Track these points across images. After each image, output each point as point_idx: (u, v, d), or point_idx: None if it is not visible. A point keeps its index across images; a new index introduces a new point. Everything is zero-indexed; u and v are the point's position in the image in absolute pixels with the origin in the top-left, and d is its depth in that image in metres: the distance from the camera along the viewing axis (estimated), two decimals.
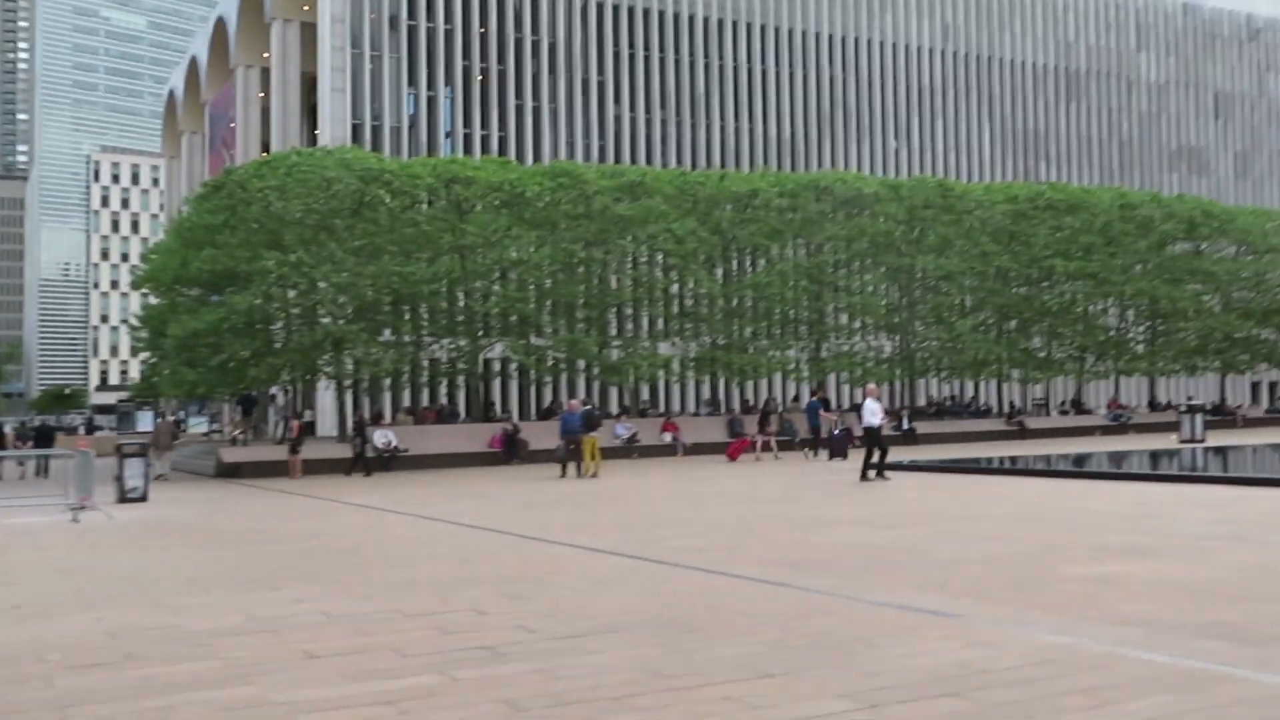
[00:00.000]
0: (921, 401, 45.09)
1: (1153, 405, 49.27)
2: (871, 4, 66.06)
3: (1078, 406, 46.43)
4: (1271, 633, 6.76)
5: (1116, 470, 21.02)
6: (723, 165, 56.44)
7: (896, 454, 29.98)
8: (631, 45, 58.61)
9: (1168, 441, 31.65)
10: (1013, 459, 25.10)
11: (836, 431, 29.75)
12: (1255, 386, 65.33)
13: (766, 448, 30.58)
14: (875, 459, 20.45)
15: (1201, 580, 8.80)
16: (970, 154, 69.12)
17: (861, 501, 17.00)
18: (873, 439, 20.60)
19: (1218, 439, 32.37)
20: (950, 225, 39.49)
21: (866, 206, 38.67)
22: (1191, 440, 30.23)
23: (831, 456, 28.69)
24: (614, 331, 37.45)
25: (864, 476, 20.44)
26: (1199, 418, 31.09)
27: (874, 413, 20.75)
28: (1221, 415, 44.65)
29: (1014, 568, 9.74)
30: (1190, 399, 35.58)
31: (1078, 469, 21.55)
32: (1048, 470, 21.26)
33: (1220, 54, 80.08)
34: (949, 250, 39.16)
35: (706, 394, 50.67)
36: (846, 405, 43.38)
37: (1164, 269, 44.15)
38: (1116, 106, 75.19)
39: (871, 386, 22.45)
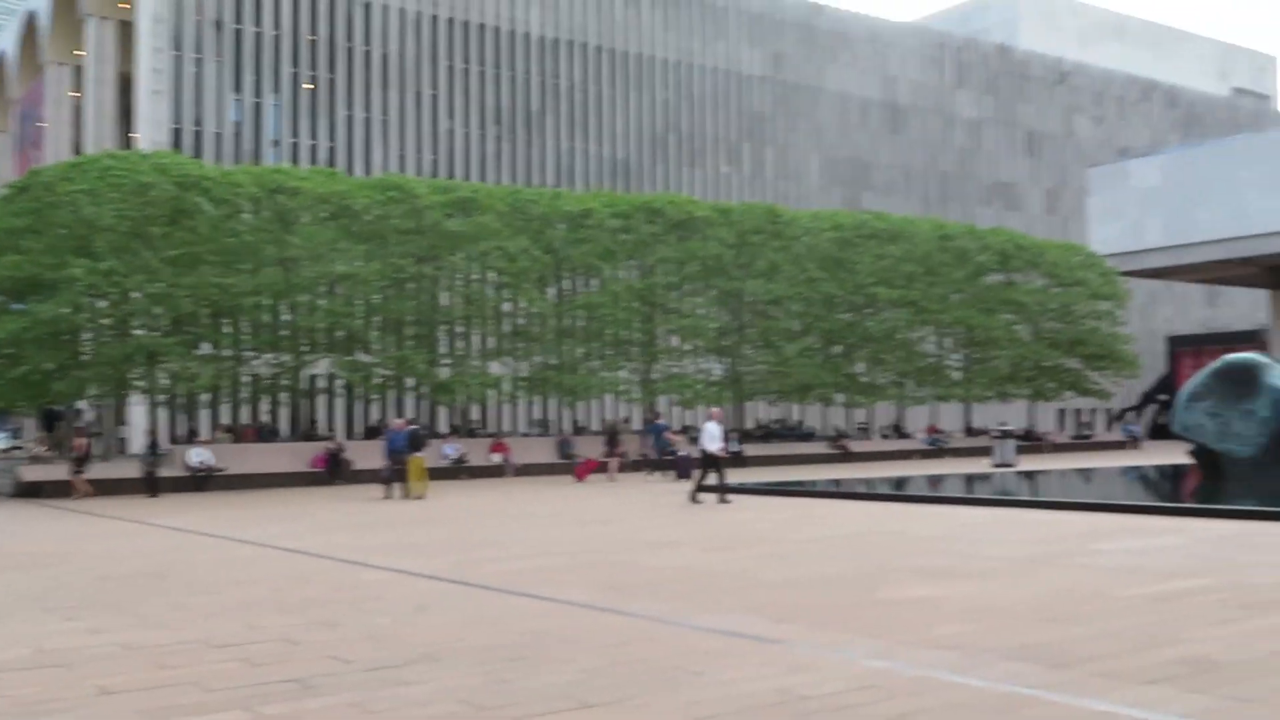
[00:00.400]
0: (750, 424, 45.76)
1: (968, 430, 51.19)
2: (705, 30, 67.15)
3: (898, 431, 47.90)
4: (1078, 654, 6.94)
5: (934, 494, 21.64)
6: (556, 184, 56.39)
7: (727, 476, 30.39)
8: (466, 60, 58.12)
9: (981, 466, 32.86)
10: (837, 482, 25.62)
11: (683, 452, 29.95)
12: (1061, 413, 68.64)
13: (612, 468, 30.91)
14: (710, 480, 20.59)
15: (1014, 602, 9.02)
16: (798, 181, 70.80)
17: (692, 523, 17.03)
18: (708, 462, 20.73)
19: (1028, 463, 33.78)
20: (779, 251, 40.29)
21: (698, 230, 39.14)
22: (1004, 465, 31.45)
23: (679, 477, 28.80)
24: (444, 349, 36.88)
25: (694, 498, 20.53)
26: (1011, 443, 32.39)
27: (713, 436, 20.80)
28: (1031, 440, 46.71)
29: (837, 591, 9.83)
30: (1002, 424, 37.08)
31: (898, 492, 22.13)
32: (870, 494, 21.75)
33: (1032, 95, 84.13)
34: (777, 275, 39.94)
35: (537, 414, 50.39)
36: (677, 427, 43.71)
37: (979, 298, 45.98)
38: (936, 141, 78.17)
39: (715, 410, 22.34)
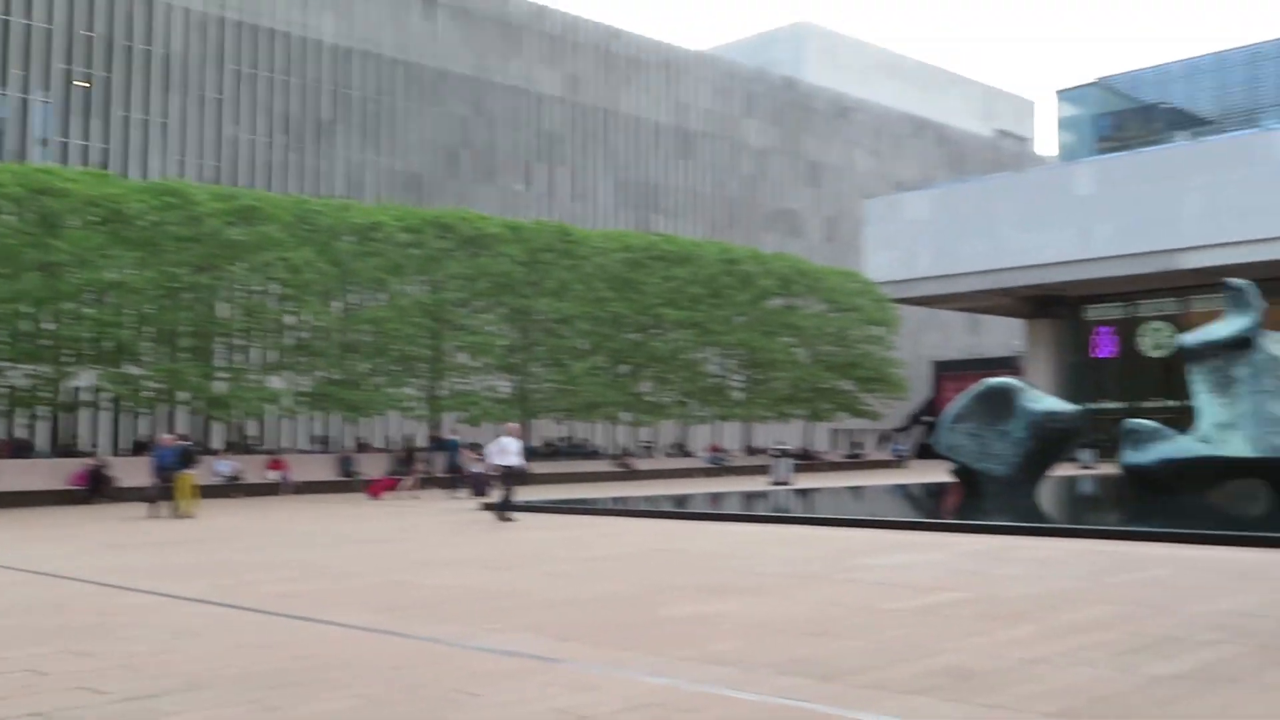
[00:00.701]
0: (536, 442, 45.74)
1: (748, 449, 52.60)
2: (502, 47, 67.07)
3: (681, 449, 48.79)
4: (847, 666, 7.19)
5: (714, 511, 22.11)
6: (345, 195, 55.13)
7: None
8: (254, 64, 56.27)
9: (760, 483, 33.79)
10: (620, 499, 25.84)
11: (479, 469, 29.62)
12: (835, 433, 71.37)
13: (406, 486, 30.59)
14: (509, 498, 20.43)
15: (787, 617, 9.28)
16: (590, 202, 71.47)
17: (474, 542, 16.86)
18: (510, 477, 20.58)
19: (804, 481, 34.90)
20: (569, 270, 40.50)
21: (489, 247, 38.94)
22: (781, 483, 32.41)
23: (474, 495, 28.49)
24: (221, 362, 35.43)
25: (504, 516, 20.39)
26: (788, 461, 33.43)
27: (512, 452, 20.67)
28: (807, 459, 48.35)
29: (618, 609, 9.90)
30: (780, 444, 38.26)
31: (680, 510, 22.49)
32: (653, 511, 22.03)
33: (815, 127, 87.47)
34: (567, 294, 40.13)
35: (319, 431, 49.02)
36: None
37: (761, 321, 47.37)
38: (724, 167, 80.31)
39: (513, 425, 22.16)
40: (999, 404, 24.31)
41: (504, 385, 40.98)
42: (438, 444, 38.52)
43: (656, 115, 76.16)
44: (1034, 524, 17.23)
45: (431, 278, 38.44)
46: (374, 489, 30.20)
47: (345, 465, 34.79)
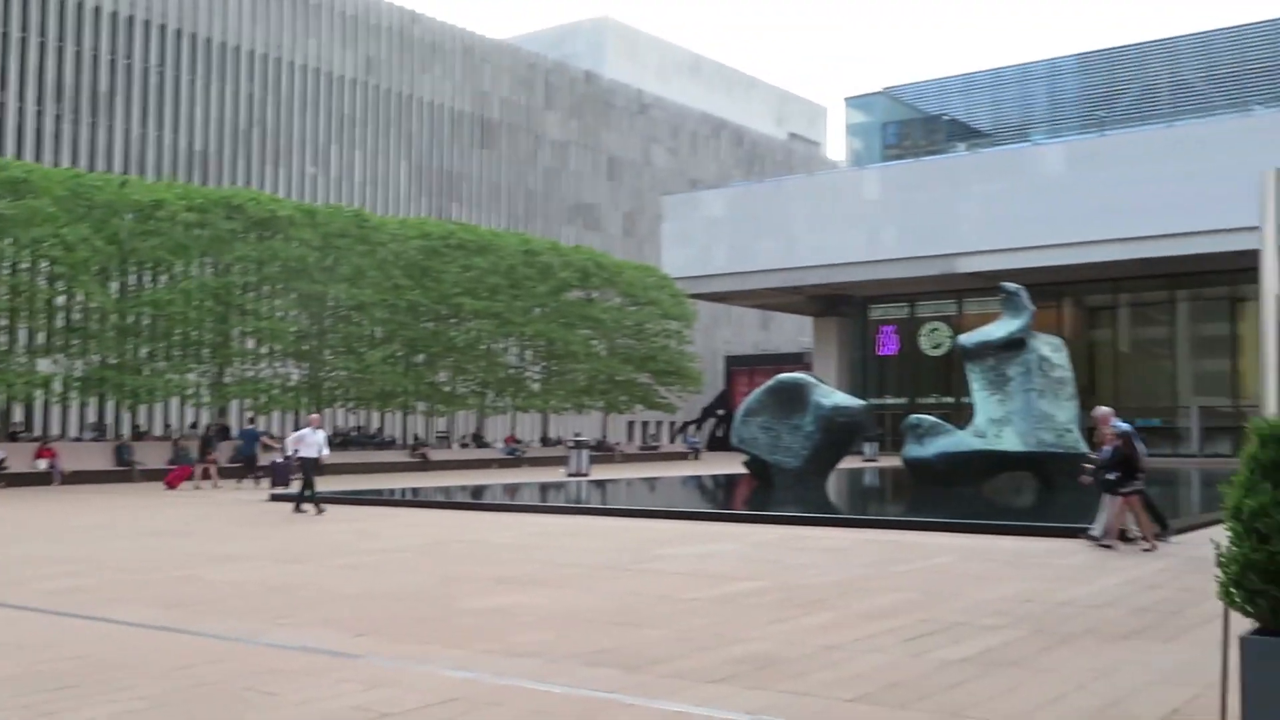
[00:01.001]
0: (328, 431, 44.49)
1: (545, 440, 52.57)
2: (295, 25, 64.88)
3: (478, 440, 48.35)
4: (651, 656, 7.22)
5: (513, 502, 21.97)
6: (124, 171, 52.28)
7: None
8: (24, 29, 52.68)
9: (557, 475, 33.79)
10: (415, 490, 25.38)
11: (280, 460, 28.68)
12: (630, 425, 72.11)
13: (206, 475, 29.48)
14: (309, 491, 19.63)
15: (589, 608, 9.27)
16: (387, 188, 70.00)
17: (265, 534, 16.24)
18: (310, 469, 19.72)
19: (600, 473, 35.11)
20: (364, 256, 39.43)
21: (280, 230, 37.52)
22: (578, 474, 32.48)
23: (274, 485, 27.51)
24: None
25: (298, 508, 19.65)
26: (585, 453, 33.51)
27: (313, 443, 19.88)
28: (604, 451, 48.67)
29: (416, 602, 9.68)
30: (577, 435, 38.33)
31: (477, 501, 22.25)
32: (449, 502, 21.72)
33: (615, 122, 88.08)
34: (362, 281, 39.06)
35: (93, 417, 46.40)
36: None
37: (560, 313, 47.32)
38: (524, 158, 79.96)
39: (315, 416, 21.20)
40: (791, 398, 25.00)
41: (294, 373, 39.64)
42: (220, 432, 37.03)
43: (455, 102, 75.18)
44: (824, 514, 17.77)
45: (218, 260, 36.80)
46: (171, 479, 28.83)
47: (121, 454, 32.96)
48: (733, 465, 39.85)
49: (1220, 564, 4.85)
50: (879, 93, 78.03)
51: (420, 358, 42.87)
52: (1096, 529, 13.47)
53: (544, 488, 27.08)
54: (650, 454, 53.25)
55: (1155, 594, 9.73)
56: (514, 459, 43.41)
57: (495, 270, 43.89)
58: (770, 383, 25.81)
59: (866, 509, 21.60)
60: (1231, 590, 4.76)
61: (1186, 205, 45.53)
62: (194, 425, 43.59)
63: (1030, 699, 6.09)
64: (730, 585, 10.49)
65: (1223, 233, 45.32)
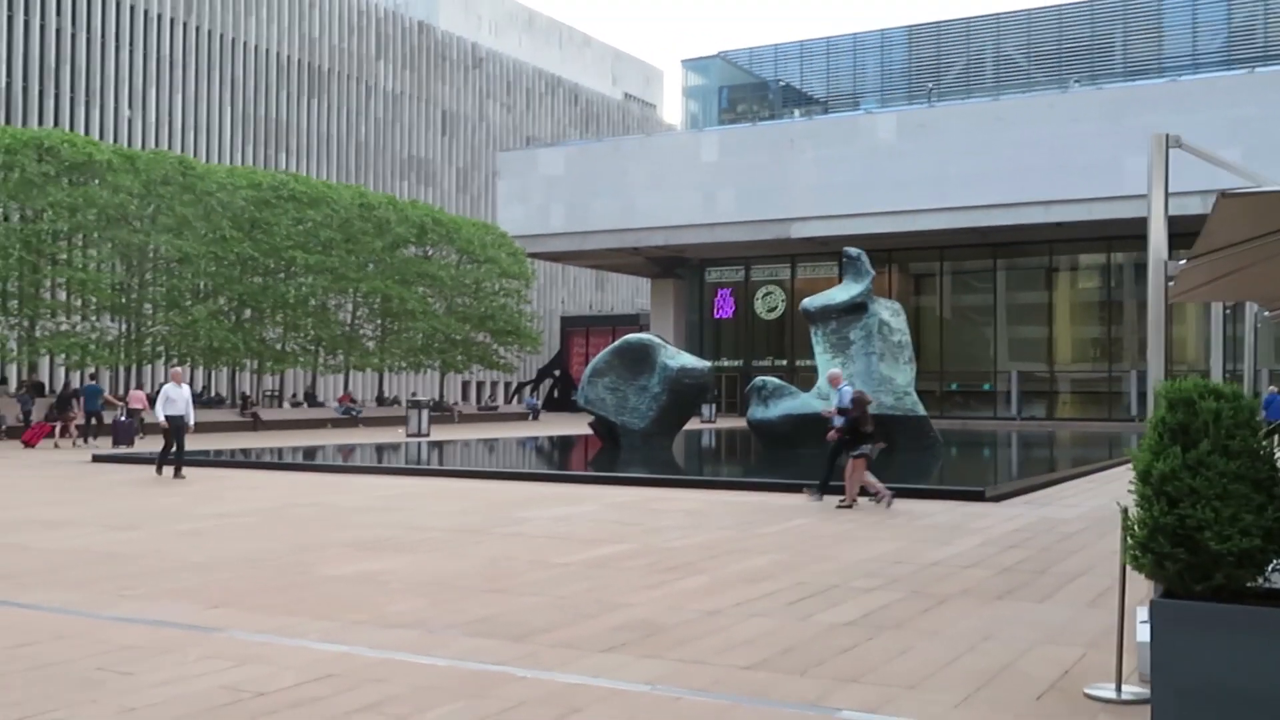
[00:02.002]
0: (151, 389, 42.50)
1: (381, 400, 51.42)
2: None
3: (311, 399, 46.92)
4: (533, 625, 6.96)
5: (358, 464, 21.29)
6: None
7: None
8: None
9: (397, 435, 33.03)
10: (246, 452, 24.39)
11: (123, 418, 28.00)
12: (465, 385, 71.26)
13: (66, 433, 28.27)
14: (178, 453, 18.13)
15: (459, 574, 8.94)
16: (210, 135, 67.04)
17: (91, 498, 15.28)
18: (179, 430, 18.03)
19: (441, 433, 34.47)
20: (190, 205, 37.52)
21: (98, 175, 35.36)
22: (418, 435, 31.83)
23: (116, 444, 26.58)
24: None
25: (160, 470, 18.37)
26: (425, 413, 32.86)
27: (179, 400, 18.13)
28: (442, 411, 47.84)
29: (272, 571, 9.18)
30: (414, 395, 37.52)
31: (318, 462, 21.49)
32: (288, 464, 20.93)
33: (449, 76, 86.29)
34: (187, 231, 37.19)
35: None
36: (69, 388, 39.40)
37: (396, 270, 46.17)
38: (356, 109, 77.65)
39: (177, 371, 19.35)
40: (637, 359, 24.95)
41: (112, 327, 37.59)
42: (34, 389, 34.93)
43: (283, 48, 72.37)
44: (678, 476, 17.76)
45: (28, 205, 34.48)
46: (29, 436, 27.68)
47: None
48: (574, 426, 39.74)
49: (1127, 528, 4.86)
50: (715, 56, 78.51)
51: (249, 313, 41.23)
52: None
53: (385, 449, 26.39)
54: (489, 415, 52.65)
55: (1016, 554, 9.96)
56: (350, 419, 42.26)
57: (329, 224, 42.47)
58: (617, 343, 25.69)
59: (717, 471, 21.72)
60: (1138, 554, 4.77)
61: (1009, 177, 47.25)
62: (2, 380, 41.02)
63: (924, 662, 6.07)
64: (598, 549, 10.29)
65: (1041, 204, 47.26)
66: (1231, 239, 5.33)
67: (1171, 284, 6.16)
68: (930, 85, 64.05)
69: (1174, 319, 50.79)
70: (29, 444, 27.40)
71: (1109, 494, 15.60)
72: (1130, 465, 4.86)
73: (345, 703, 5.30)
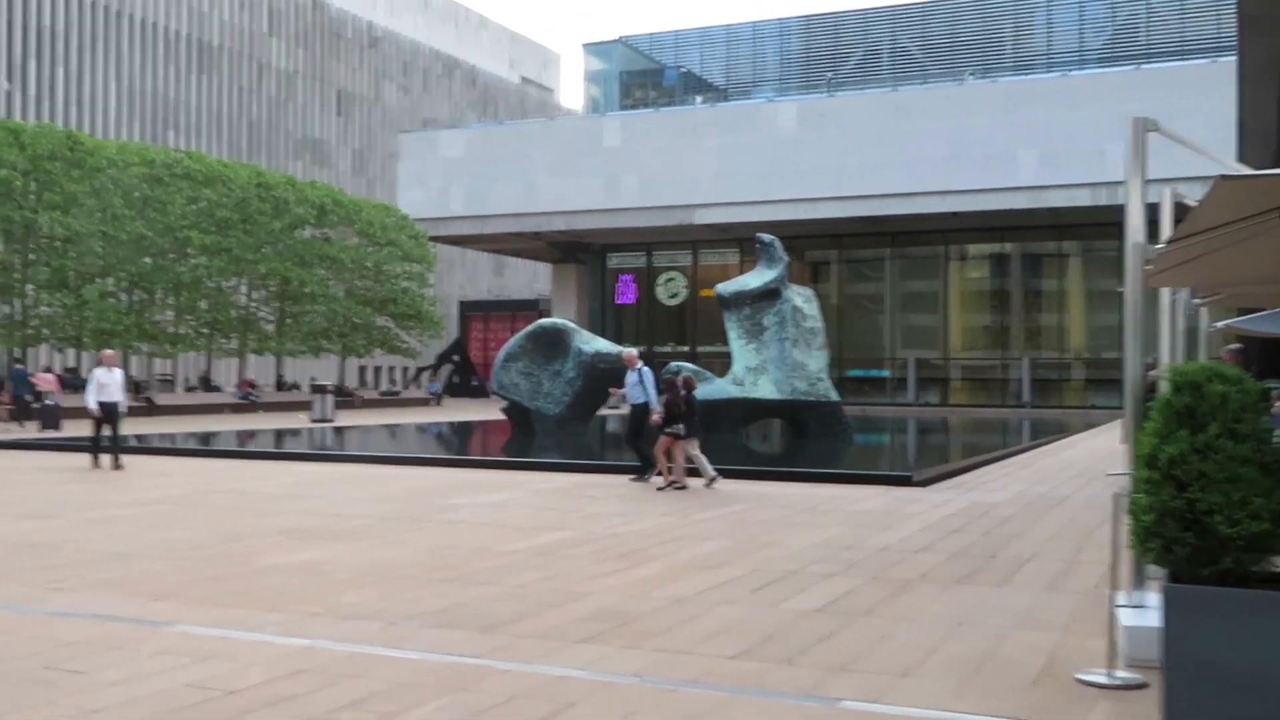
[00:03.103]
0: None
1: (280, 385, 50.18)
2: None
3: (207, 384, 45.58)
4: (498, 615, 6.74)
5: (266, 450, 20.65)
6: None
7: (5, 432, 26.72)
8: None
9: (299, 420, 32.21)
10: (141, 437, 23.48)
11: (49, 401, 27.58)
12: (362, 371, 70.02)
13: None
14: (114, 440, 16.89)
15: (403, 562, 8.66)
16: (95, 110, 64.72)
17: None
18: (113, 417, 16.84)
19: (345, 419, 33.71)
20: (79, 182, 36.02)
21: None
22: (323, 420, 31.09)
23: (43, 428, 26.21)
24: None
25: (97, 460, 16.88)
26: (329, 398, 32.11)
27: (111, 385, 16.79)
28: (343, 396, 46.82)
29: (203, 560, 8.77)
30: (314, 380, 36.64)
31: (225, 448, 20.79)
32: (192, 450, 20.23)
33: (344, 55, 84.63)
34: (76, 209, 35.71)
35: None
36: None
37: (295, 252, 45.02)
38: (247, 87, 75.74)
39: (109, 353, 17.69)
40: (551, 344, 24.69)
41: None
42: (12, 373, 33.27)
43: (170, 22, 70.14)
44: (604, 462, 17.58)
45: None
46: None
47: None
48: (478, 411, 39.31)
49: (1133, 512, 4.84)
50: (616, 41, 78.24)
51: (141, 295, 39.82)
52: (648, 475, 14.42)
53: (290, 434, 25.70)
54: (392, 400, 51.71)
55: (961, 539, 10.01)
56: (248, 404, 41.08)
57: (225, 203, 41.22)
58: (531, 328, 25.40)
59: (619, 456, 21.50)
60: (1145, 538, 4.75)
61: (907, 167, 47.97)
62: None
63: (907, 649, 6.01)
64: (540, 536, 10.08)
65: (937, 194, 48.11)
66: (1215, 222, 5.35)
67: (1149, 268, 6.18)
68: (829, 75, 64.70)
69: (1100, 306, 52.25)
70: None
71: (1028, 479, 15.91)
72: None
73: (325, 700, 5.03)
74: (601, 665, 5.66)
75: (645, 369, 15.25)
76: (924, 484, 14.35)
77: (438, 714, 4.86)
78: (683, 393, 14.27)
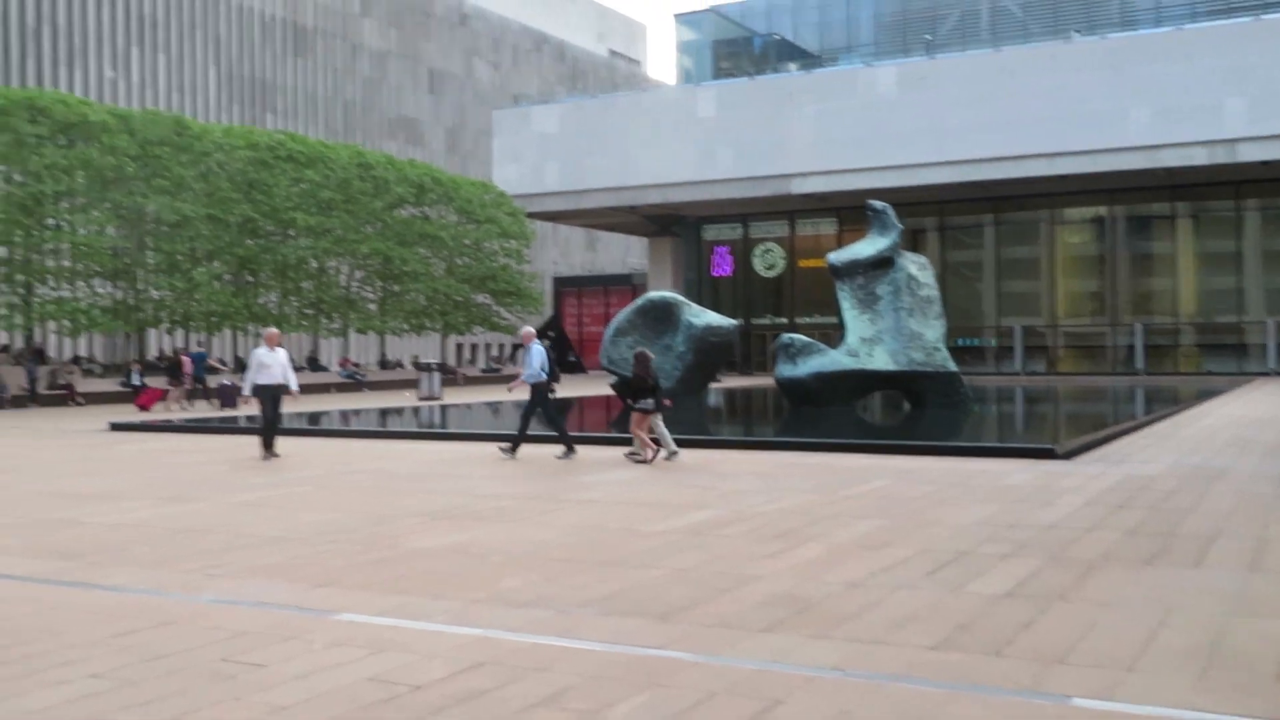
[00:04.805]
0: (154, 354, 41.73)
1: (383, 364, 50.69)
2: None
3: (313, 364, 46.18)
4: (669, 602, 6.46)
5: (391, 429, 20.71)
6: None
7: (133, 413, 27.27)
8: None
9: (407, 399, 32.42)
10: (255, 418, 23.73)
11: (227, 382, 29.72)
12: (459, 348, 70.49)
13: (174, 397, 29.58)
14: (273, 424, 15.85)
15: (555, 545, 8.43)
16: (196, 95, 65.81)
17: (122, 469, 14.68)
18: (277, 401, 15.82)
19: (451, 396, 33.87)
20: (188, 167, 36.55)
21: (93, 136, 34.36)
22: (430, 397, 31.24)
23: (223, 407, 28.35)
24: None
25: (269, 449, 15.73)
26: (436, 375, 32.26)
27: (275, 366, 15.61)
28: (446, 374, 47.17)
29: (354, 544, 8.64)
30: (416, 358, 36.84)
31: (346, 427, 20.91)
32: (314, 429, 20.36)
33: (435, 33, 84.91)
34: (184, 193, 36.25)
35: None
36: (68, 357, 38.61)
37: (396, 231, 45.30)
38: (342, 68, 76.41)
39: (272, 332, 16.15)
40: (661, 318, 24.42)
41: (111, 293, 36.70)
42: (35, 356, 34.15)
43: (266, 6, 70.95)
44: (731, 437, 17.27)
45: (21, 168, 33.51)
46: (143, 400, 28.60)
47: None
48: (579, 387, 39.21)
49: None
50: (707, 11, 77.35)
51: (248, 277, 40.39)
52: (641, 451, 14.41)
53: (404, 412, 25.81)
54: (493, 377, 51.96)
55: (1130, 516, 9.50)
56: (354, 383, 41.57)
57: (328, 184, 41.56)
58: (639, 301, 25.16)
59: (758, 430, 21.19)
60: None
61: (1011, 129, 46.69)
62: (4, 348, 40.10)
63: (1120, 639, 5.59)
64: (686, 515, 9.80)
65: (1044, 156, 46.75)
66: None
67: None
68: (927, 37, 63.17)
69: (1215, 269, 50.56)
70: (144, 408, 28.19)
71: (1176, 449, 15.21)
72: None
73: (516, 696, 4.79)
74: (795, 657, 5.35)
75: (536, 346, 15.44)
76: (1067, 456, 13.78)
77: (641, 713, 4.59)
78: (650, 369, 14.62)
